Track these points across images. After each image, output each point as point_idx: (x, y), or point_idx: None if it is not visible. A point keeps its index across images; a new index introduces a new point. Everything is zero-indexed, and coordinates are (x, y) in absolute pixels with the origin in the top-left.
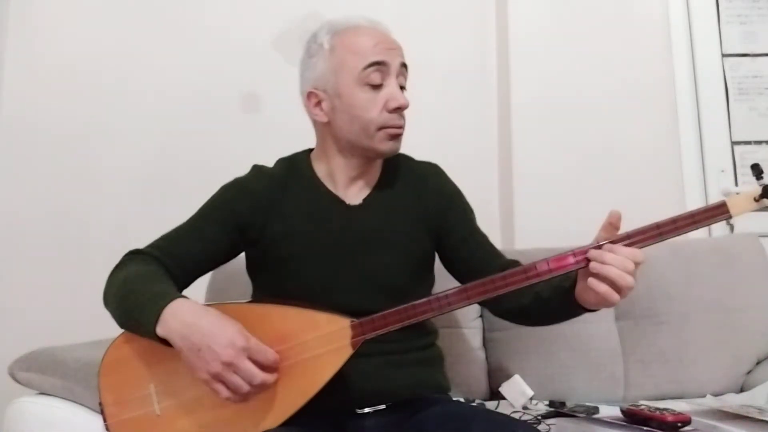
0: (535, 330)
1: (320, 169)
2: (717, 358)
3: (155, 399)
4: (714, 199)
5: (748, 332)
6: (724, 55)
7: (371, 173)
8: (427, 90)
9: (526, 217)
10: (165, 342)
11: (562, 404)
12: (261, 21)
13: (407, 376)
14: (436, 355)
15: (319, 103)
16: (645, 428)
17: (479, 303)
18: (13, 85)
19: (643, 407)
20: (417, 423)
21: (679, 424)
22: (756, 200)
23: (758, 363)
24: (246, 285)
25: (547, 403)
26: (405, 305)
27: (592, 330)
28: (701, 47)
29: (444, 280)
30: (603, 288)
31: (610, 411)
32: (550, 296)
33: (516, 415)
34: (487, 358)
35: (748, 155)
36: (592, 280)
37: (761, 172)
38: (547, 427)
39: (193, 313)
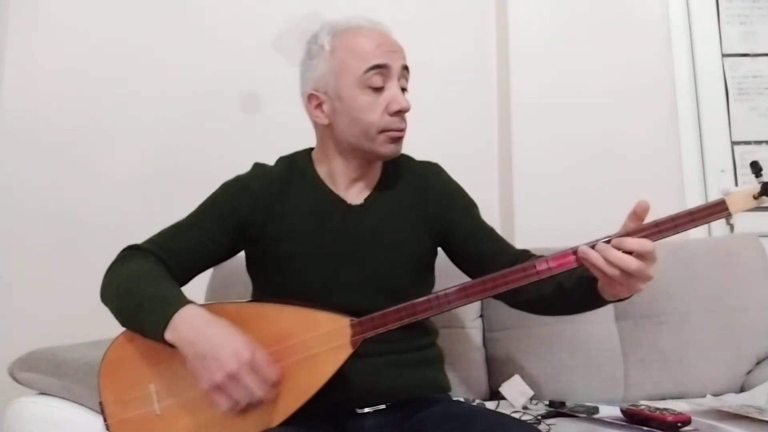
0: (535, 330)
1: (321, 169)
2: (717, 358)
3: (155, 398)
4: (714, 199)
5: (748, 332)
6: (724, 55)
7: (372, 174)
8: (427, 90)
9: (526, 217)
10: (168, 344)
11: (562, 404)
12: (261, 21)
13: (407, 376)
14: (436, 355)
15: (319, 105)
16: (645, 428)
17: (495, 297)
18: (14, 84)
19: (643, 407)
20: (417, 423)
21: (679, 424)
22: (755, 198)
23: (758, 363)
24: (246, 284)
25: (547, 403)
26: (405, 304)
27: (592, 330)
28: (701, 47)
29: (444, 280)
30: (612, 271)
31: (610, 411)
32: (573, 287)
33: (516, 415)
34: (487, 358)
35: (748, 155)
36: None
37: (760, 169)
38: (547, 427)
39: (203, 321)
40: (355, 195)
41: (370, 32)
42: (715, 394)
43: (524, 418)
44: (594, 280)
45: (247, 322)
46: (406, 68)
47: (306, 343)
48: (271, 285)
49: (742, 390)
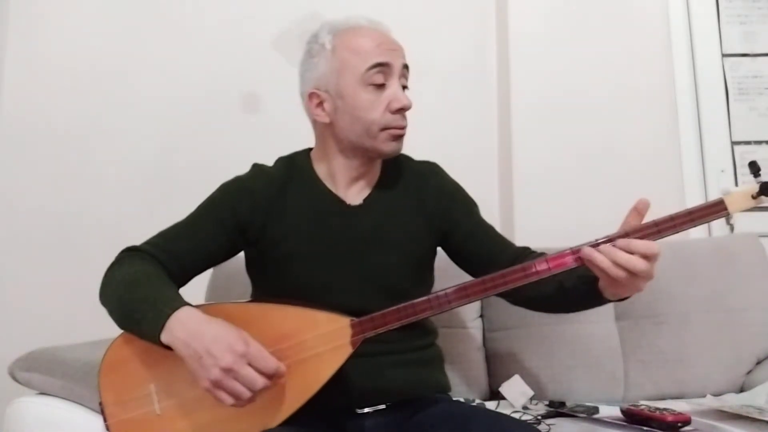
0: (535, 330)
1: (320, 169)
2: (717, 358)
3: (155, 399)
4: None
5: (748, 332)
6: (724, 55)
7: (371, 173)
8: (428, 90)
9: (526, 217)
10: (166, 346)
11: (562, 404)
12: (261, 21)
13: (407, 376)
14: (436, 355)
15: (320, 104)
16: (645, 428)
17: (498, 295)
18: (14, 83)
19: (643, 407)
20: (417, 423)
21: (679, 424)
22: (753, 197)
23: (758, 363)
24: (246, 285)
25: (547, 403)
26: (404, 304)
27: (592, 330)
28: (701, 47)
29: (444, 280)
30: (618, 272)
31: (610, 411)
32: (574, 285)
33: (516, 415)
34: (487, 358)
35: (748, 155)
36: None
37: (759, 169)
38: (547, 427)
39: (198, 321)
40: (355, 195)
41: (371, 32)
42: (715, 394)
43: (524, 418)
44: (595, 279)
45: (247, 322)
46: (406, 67)
47: (306, 343)
48: (271, 285)
49: (742, 390)
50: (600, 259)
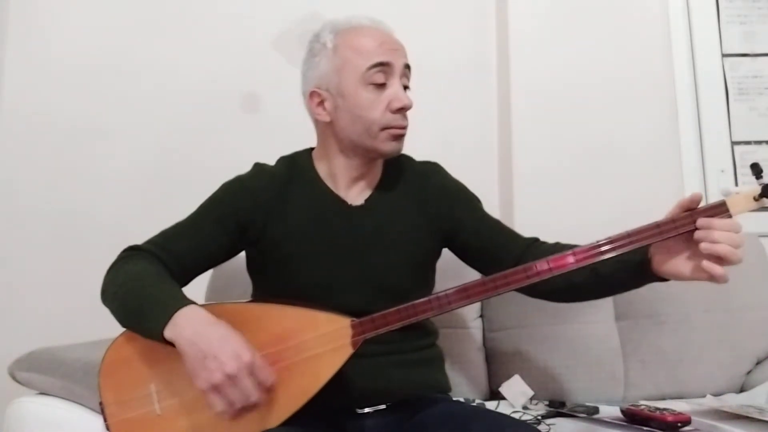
0: (535, 330)
1: (322, 168)
2: (717, 358)
3: (156, 399)
4: (714, 199)
5: (748, 332)
6: (724, 55)
7: (373, 174)
8: (427, 88)
9: (526, 215)
10: (167, 343)
11: (562, 404)
12: (261, 21)
13: (407, 376)
14: (436, 355)
15: (321, 103)
16: (645, 428)
17: (517, 290)
18: (14, 82)
19: (643, 407)
20: (417, 423)
21: (679, 424)
22: (755, 199)
23: (758, 363)
24: (246, 285)
25: (547, 403)
26: (405, 304)
27: (592, 330)
28: (701, 47)
29: (444, 280)
30: (718, 270)
31: (610, 411)
32: (613, 272)
33: (516, 415)
34: (487, 358)
35: (748, 155)
36: (707, 263)
37: (761, 171)
38: (547, 427)
39: (205, 321)
40: (356, 195)
41: (372, 31)
42: (715, 394)
43: (524, 418)
44: (643, 263)
45: (248, 322)
46: (407, 67)
47: (306, 343)
48: (272, 285)
49: (742, 390)
50: (719, 235)
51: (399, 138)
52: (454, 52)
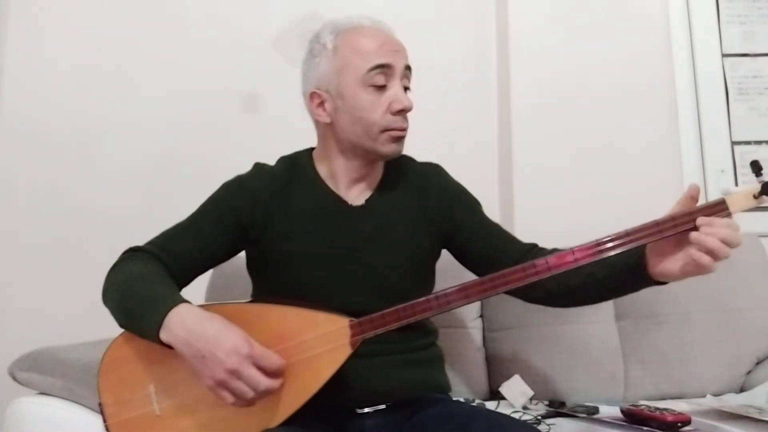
0: (535, 330)
1: (322, 169)
2: (717, 358)
3: (155, 399)
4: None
5: (748, 332)
6: (724, 55)
7: (373, 174)
8: (427, 88)
9: (526, 215)
10: (167, 345)
11: (562, 404)
12: (261, 21)
13: (407, 376)
14: (436, 355)
15: (321, 104)
16: (645, 428)
17: (508, 293)
18: (14, 82)
19: (643, 407)
20: (417, 423)
21: (679, 424)
22: (755, 197)
23: (758, 363)
24: (246, 284)
25: (547, 403)
26: (404, 304)
27: (592, 330)
28: (701, 47)
29: (444, 280)
30: (706, 259)
31: (610, 411)
32: (609, 274)
33: (516, 415)
34: (487, 358)
35: (748, 155)
36: (695, 252)
37: (760, 169)
38: (547, 427)
39: (197, 319)
40: (357, 196)
41: (373, 32)
42: (715, 394)
43: (524, 418)
44: (639, 265)
45: (247, 322)
46: (408, 68)
47: (306, 343)
48: (271, 285)
49: (742, 390)
50: (718, 231)
51: (399, 140)
52: (454, 52)
